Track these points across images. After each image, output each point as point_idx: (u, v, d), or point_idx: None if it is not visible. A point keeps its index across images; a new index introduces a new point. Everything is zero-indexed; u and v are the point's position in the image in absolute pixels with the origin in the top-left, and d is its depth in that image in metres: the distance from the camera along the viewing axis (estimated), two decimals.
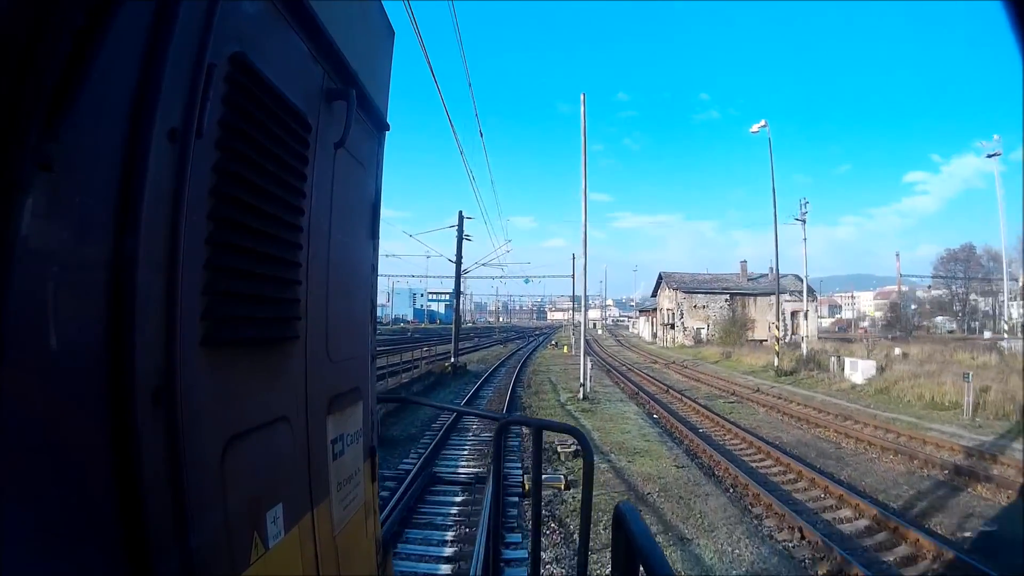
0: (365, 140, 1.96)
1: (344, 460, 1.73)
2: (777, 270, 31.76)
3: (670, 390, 22.10)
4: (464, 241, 27.14)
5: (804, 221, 32.51)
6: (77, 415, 0.78)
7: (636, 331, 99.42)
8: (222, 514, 1.06)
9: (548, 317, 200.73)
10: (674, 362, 36.10)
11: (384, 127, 2.12)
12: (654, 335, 67.51)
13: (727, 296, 54.92)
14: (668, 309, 58.74)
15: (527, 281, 49.89)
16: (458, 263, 26.87)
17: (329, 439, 1.62)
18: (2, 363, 0.63)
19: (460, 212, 26.93)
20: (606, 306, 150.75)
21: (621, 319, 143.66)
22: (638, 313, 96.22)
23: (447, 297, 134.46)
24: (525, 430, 9.85)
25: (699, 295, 55.51)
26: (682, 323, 54.79)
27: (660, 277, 63.23)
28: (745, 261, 60.24)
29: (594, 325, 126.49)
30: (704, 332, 53.66)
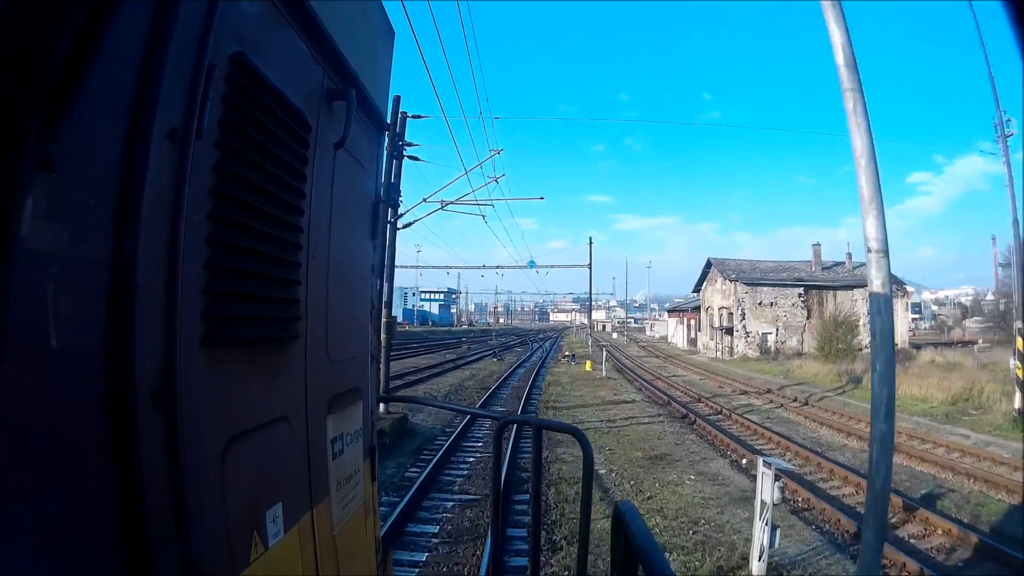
0: (365, 140, 1.97)
1: (344, 460, 1.74)
2: (1016, 216, 16.57)
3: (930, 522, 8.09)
4: (408, 160, 13.20)
5: (1007, 143, 18.33)
6: (77, 415, 0.78)
7: (656, 334, 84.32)
8: (222, 514, 1.06)
9: (550, 318, 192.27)
10: (770, 390, 22.15)
11: (384, 127, 2.14)
12: (692, 341, 52.84)
13: (801, 290, 40.27)
14: (721, 308, 43.27)
15: (532, 265, 36.37)
16: (388, 194, 12.29)
17: (329, 439, 1.63)
18: (2, 363, 0.64)
19: (396, 99, 12.88)
20: (611, 307, 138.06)
21: (627, 320, 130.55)
22: (665, 314, 79.10)
23: (441, 296, 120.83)
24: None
25: (764, 288, 39.86)
26: (743, 326, 39.77)
27: (708, 265, 46.79)
28: (819, 244, 43.98)
29: (603, 327, 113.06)
30: (771, 338, 39.36)
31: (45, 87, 0.65)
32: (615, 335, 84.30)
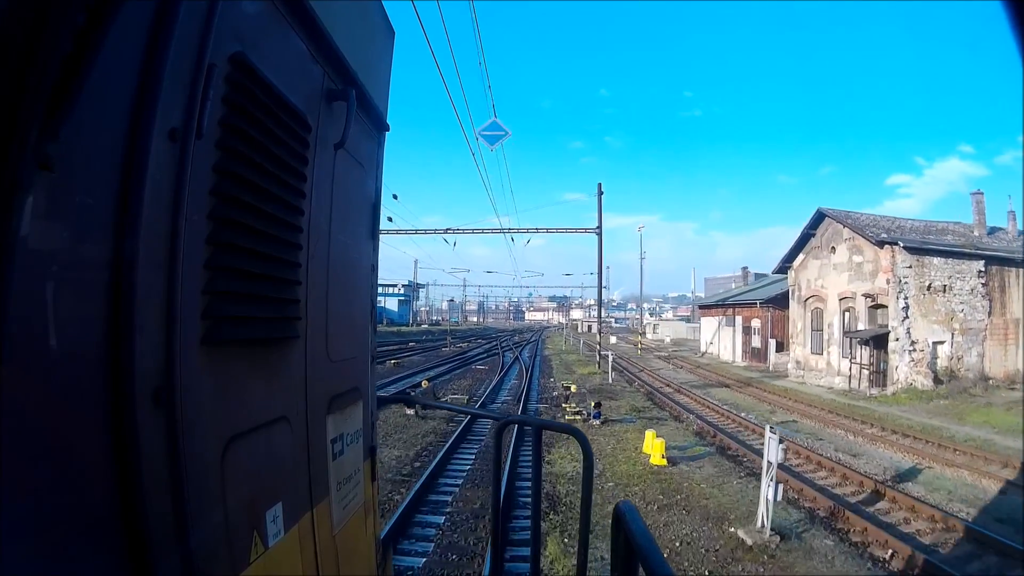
0: (365, 140, 1.93)
1: (344, 460, 1.72)
2: None
3: None
4: None
5: None
6: (77, 415, 0.78)
7: (664, 337, 65.79)
8: (222, 514, 1.06)
9: (526, 317, 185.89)
10: None
11: (384, 127, 2.10)
12: (757, 353, 33.10)
13: (981, 265, 21.64)
14: (849, 297, 23.96)
15: (493, 137, 17.69)
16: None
17: (329, 439, 1.61)
18: (2, 363, 0.63)
19: None
20: (587, 306, 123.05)
21: (607, 320, 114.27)
22: (697, 310, 55.94)
23: (402, 291, 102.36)
24: None
25: (935, 261, 21.36)
26: (906, 330, 20.70)
27: (816, 222, 26.21)
28: (981, 192, 27.79)
29: (588, 328, 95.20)
30: (944, 351, 21.14)
31: (45, 87, 0.65)
32: (613, 339, 64.91)
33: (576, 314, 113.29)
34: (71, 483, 0.75)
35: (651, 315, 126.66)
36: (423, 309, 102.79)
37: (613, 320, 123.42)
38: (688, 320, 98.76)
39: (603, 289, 31.37)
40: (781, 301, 30.55)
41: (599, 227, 29.21)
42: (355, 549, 1.77)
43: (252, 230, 1.17)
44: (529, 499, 5.69)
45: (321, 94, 1.52)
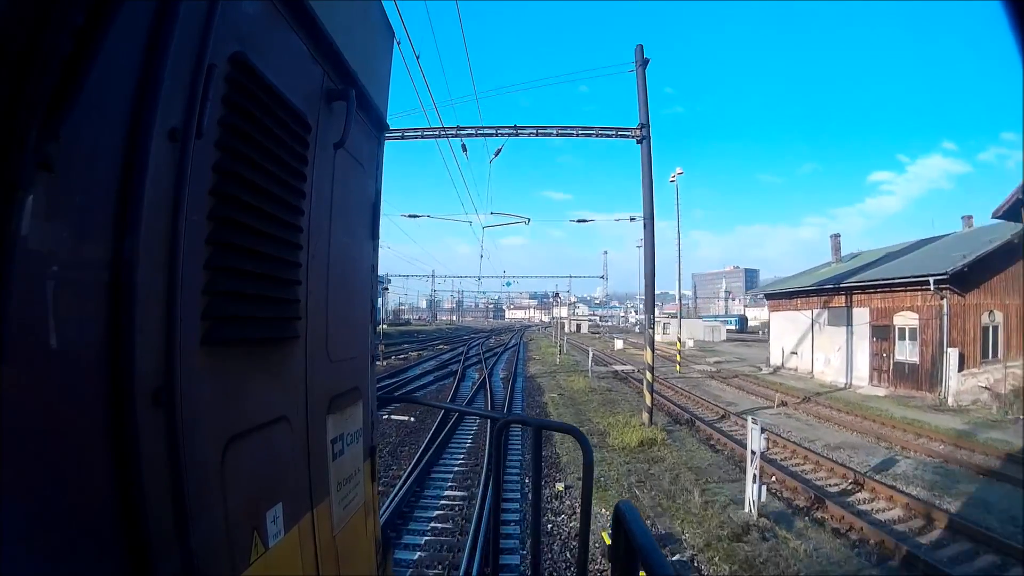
0: (365, 140, 1.95)
1: (344, 460, 1.73)
2: None
3: None
4: None
5: None
6: (77, 415, 0.78)
7: (689, 340, 49.73)
8: (222, 514, 1.06)
9: (507, 316, 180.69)
10: None
11: (384, 127, 2.13)
12: (902, 373, 17.55)
13: None
14: None
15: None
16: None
17: (329, 439, 1.62)
18: (2, 363, 0.63)
19: None
20: (571, 303, 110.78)
21: (592, 318, 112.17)
22: (762, 300, 36.92)
23: None
24: None
25: None
26: None
27: None
28: None
29: (577, 327, 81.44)
30: None
31: (45, 87, 0.65)
32: (619, 343, 48.28)
33: (560, 312, 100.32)
34: (71, 483, 0.75)
35: (636, 313, 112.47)
36: (400, 308, 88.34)
37: (599, 319, 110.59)
38: (675, 317, 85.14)
39: (601, 279, 17.32)
40: (965, 279, 16.62)
41: (643, 126, 14.12)
42: (355, 549, 1.79)
43: (252, 230, 1.17)
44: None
45: (321, 94, 1.53)
